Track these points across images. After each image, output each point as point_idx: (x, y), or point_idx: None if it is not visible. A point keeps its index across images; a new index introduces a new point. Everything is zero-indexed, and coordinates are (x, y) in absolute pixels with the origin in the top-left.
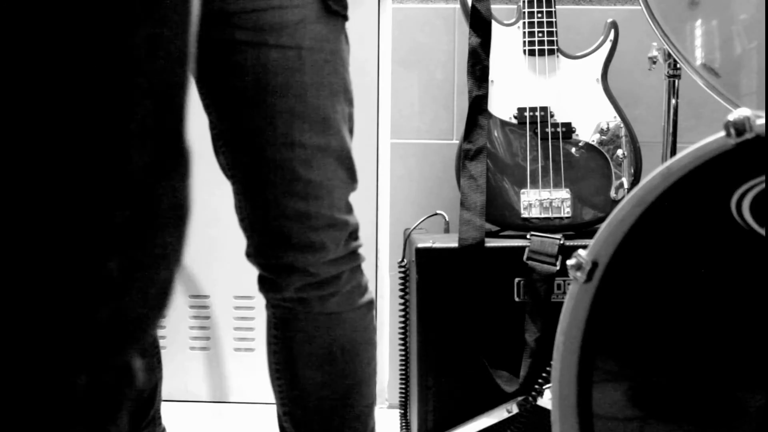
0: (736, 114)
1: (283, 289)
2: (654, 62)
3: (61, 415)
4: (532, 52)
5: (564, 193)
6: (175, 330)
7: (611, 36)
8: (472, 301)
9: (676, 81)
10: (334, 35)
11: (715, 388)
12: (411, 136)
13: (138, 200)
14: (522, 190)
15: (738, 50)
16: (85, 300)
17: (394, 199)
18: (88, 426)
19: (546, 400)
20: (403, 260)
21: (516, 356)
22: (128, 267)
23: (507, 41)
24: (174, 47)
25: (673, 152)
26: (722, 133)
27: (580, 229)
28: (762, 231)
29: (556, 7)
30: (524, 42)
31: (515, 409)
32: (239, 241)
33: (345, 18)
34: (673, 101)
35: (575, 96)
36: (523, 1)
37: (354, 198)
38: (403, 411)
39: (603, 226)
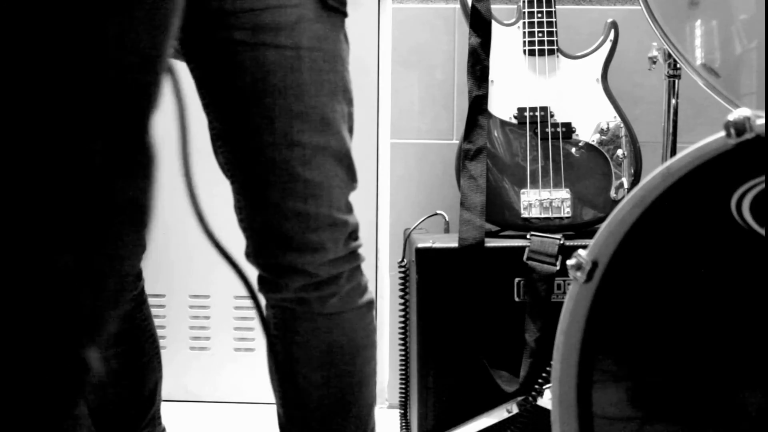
0: (736, 114)
1: (282, 290)
2: (654, 62)
3: (15, 407)
4: (532, 52)
5: (564, 193)
6: (175, 330)
7: (611, 36)
8: (472, 301)
9: (676, 81)
10: (333, 34)
11: (715, 388)
12: (411, 136)
13: (96, 195)
14: (522, 190)
15: (738, 50)
16: (39, 291)
17: (394, 199)
18: (44, 416)
19: (546, 400)
20: (403, 260)
21: (516, 356)
22: (84, 261)
23: (507, 41)
24: (145, 45)
25: (673, 152)
26: (722, 133)
27: (580, 229)
28: (762, 231)
29: (556, 7)
30: (524, 42)
31: (515, 409)
32: (239, 241)
33: (344, 14)
34: (673, 101)
35: (575, 96)
36: (523, 1)
37: (354, 198)
38: (403, 411)
39: (603, 226)
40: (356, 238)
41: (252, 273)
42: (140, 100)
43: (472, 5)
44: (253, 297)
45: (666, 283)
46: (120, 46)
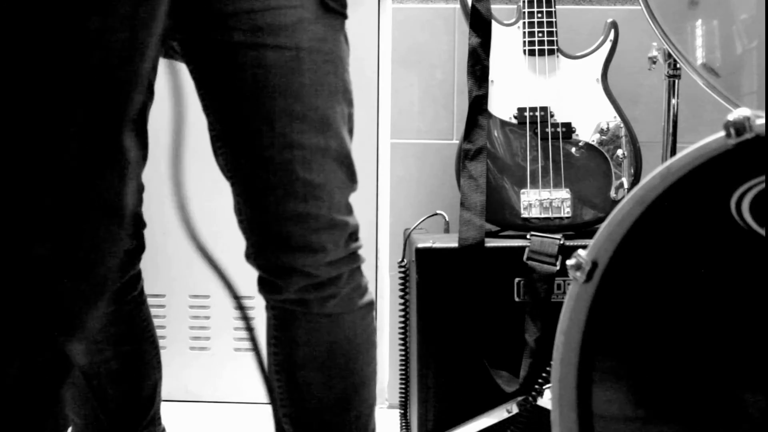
0: (736, 114)
1: (283, 291)
2: (654, 62)
3: None
4: (532, 52)
5: (564, 193)
6: (175, 330)
7: (611, 36)
8: (472, 301)
9: (676, 81)
10: (333, 35)
11: (715, 388)
12: (411, 136)
13: (68, 191)
14: (522, 190)
15: (738, 50)
16: (16, 282)
17: (394, 199)
18: (26, 409)
19: (546, 400)
20: (403, 260)
21: (516, 356)
22: (59, 255)
23: (507, 41)
24: (124, 43)
25: (673, 152)
26: (722, 133)
27: (580, 229)
28: (762, 231)
29: (556, 7)
30: (524, 42)
31: (515, 409)
32: (239, 241)
33: (344, 17)
34: (673, 101)
35: (575, 96)
36: (523, 1)
37: (354, 198)
38: (403, 411)
39: (603, 226)
40: (356, 239)
41: (252, 274)
42: (117, 97)
43: (472, 5)
44: (239, 304)
45: (666, 283)
46: (98, 43)
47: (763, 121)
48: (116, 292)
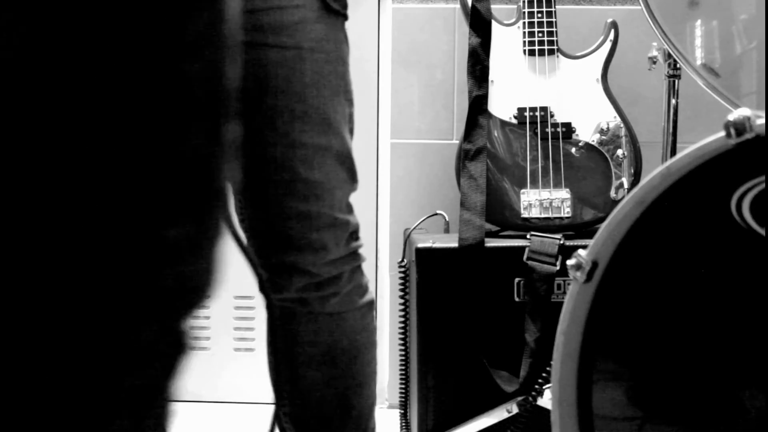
0: (736, 114)
1: (283, 290)
2: (654, 62)
3: (125, 371)
4: (532, 52)
5: (564, 193)
6: None
7: (611, 36)
8: (472, 301)
9: (676, 81)
10: (333, 35)
11: (715, 388)
12: (411, 136)
13: (191, 178)
14: (522, 190)
15: (738, 50)
16: (148, 265)
17: (394, 199)
18: (149, 384)
19: (546, 400)
20: (403, 260)
21: (516, 356)
22: (186, 236)
23: (507, 41)
24: (219, 41)
25: (673, 152)
26: (722, 133)
27: (580, 229)
28: (762, 231)
29: (556, 7)
30: (524, 42)
31: (515, 409)
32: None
33: (345, 17)
34: (673, 101)
35: (575, 96)
36: (523, 1)
37: (354, 198)
38: (403, 411)
39: (603, 226)
40: (357, 238)
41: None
42: (217, 91)
43: (472, 5)
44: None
45: (666, 283)
46: (200, 44)
47: (763, 121)
48: None
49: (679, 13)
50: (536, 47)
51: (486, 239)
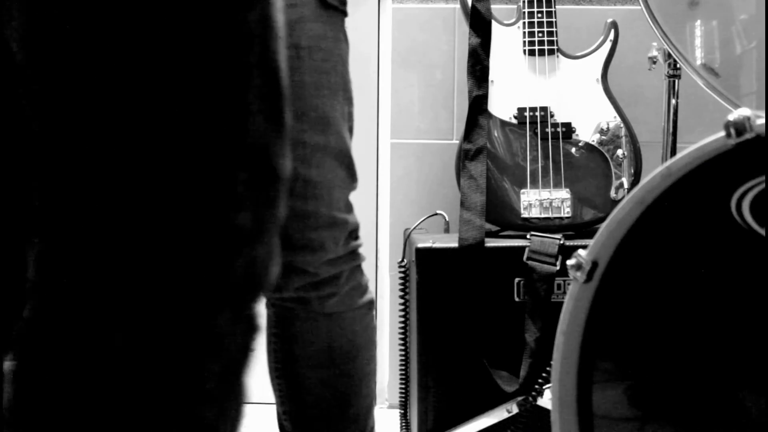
0: (736, 114)
1: (282, 289)
2: (654, 62)
3: (204, 358)
4: (532, 52)
5: (564, 193)
6: None
7: (611, 36)
8: (472, 301)
9: (676, 81)
10: (332, 34)
11: (715, 388)
12: (411, 136)
13: (255, 162)
14: (522, 190)
15: (738, 50)
16: (220, 251)
17: (394, 199)
18: (228, 370)
19: (546, 400)
20: (403, 260)
21: (516, 356)
22: (254, 221)
23: (507, 41)
24: (277, 27)
25: (673, 152)
26: (722, 133)
27: (580, 229)
28: (762, 231)
29: (556, 7)
30: (524, 42)
31: (515, 409)
32: None
33: (344, 14)
34: (673, 101)
35: (575, 96)
36: (523, 1)
37: (354, 198)
38: (403, 411)
39: (603, 226)
40: (356, 237)
41: None
42: (277, 75)
43: (472, 5)
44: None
45: (666, 283)
46: (262, 30)
47: (763, 121)
48: None
49: (679, 13)
50: (536, 47)
51: (486, 239)
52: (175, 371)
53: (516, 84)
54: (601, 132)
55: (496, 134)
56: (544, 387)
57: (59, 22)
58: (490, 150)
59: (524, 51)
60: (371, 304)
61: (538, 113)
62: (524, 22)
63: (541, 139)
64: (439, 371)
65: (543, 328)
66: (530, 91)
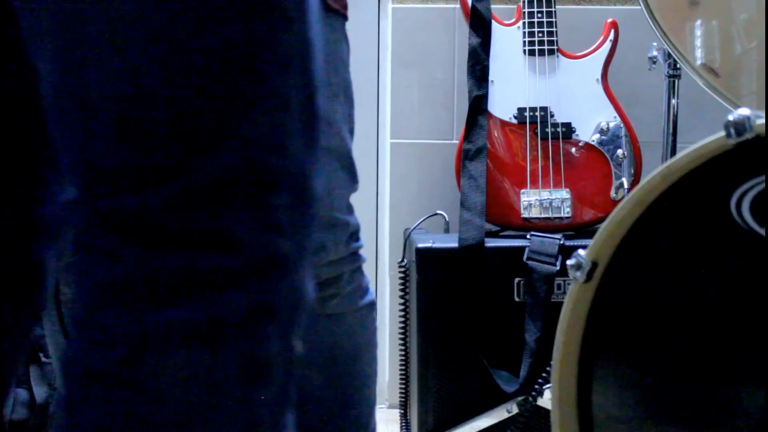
0: (736, 114)
1: None
2: (654, 62)
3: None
4: (532, 52)
5: (564, 193)
6: None
7: (611, 36)
8: (472, 302)
9: (676, 81)
10: (333, 36)
11: (716, 388)
12: (411, 136)
13: (295, 185)
14: (522, 190)
15: (738, 50)
16: (265, 278)
17: (394, 199)
18: (276, 398)
19: (546, 400)
20: (403, 260)
21: (516, 356)
22: (299, 246)
23: (507, 41)
24: (314, 49)
25: (673, 152)
26: (722, 133)
27: (580, 229)
28: (762, 231)
29: (556, 7)
30: (524, 42)
31: (515, 409)
32: None
33: (344, 17)
34: (673, 101)
35: (575, 96)
36: (523, 1)
37: (354, 198)
38: (403, 411)
39: (603, 226)
40: (357, 238)
41: None
42: (315, 96)
43: (472, 5)
44: None
45: (666, 283)
46: (300, 50)
47: (763, 121)
48: None
49: (679, 13)
50: (536, 47)
51: (486, 239)
52: (226, 404)
53: (516, 84)
54: (601, 132)
55: (496, 134)
56: (544, 387)
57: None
58: (490, 150)
59: (524, 51)
60: (372, 306)
61: (538, 113)
62: (524, 22)
63: (541, 139)
64: (439, 371)
65: (543, 328)
66: (530, 91)
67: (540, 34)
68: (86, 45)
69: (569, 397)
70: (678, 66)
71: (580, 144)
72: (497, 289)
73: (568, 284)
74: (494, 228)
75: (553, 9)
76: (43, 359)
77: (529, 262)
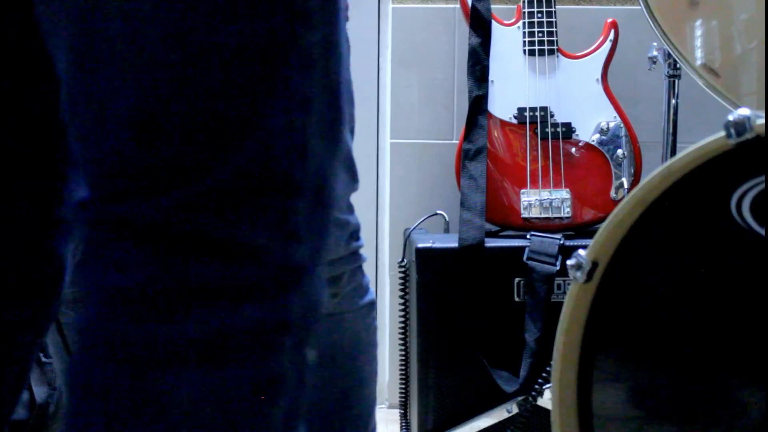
0: (736, 114)
1: None
2: (654, 62)
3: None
4: (532, 52)
5: (564, 193)
6: None
7: (611, 36)
8: (472, 301)
9: (676, 81)
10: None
11: (715, 387)
12: (411, 136)
13: (313, 190)
14: (522, 190)
15: (738, 50)
16: (281, 286)
17: (394, 199)
18: (291, 409)
19: (546, 400)
20: (403, 260)
21: (516, 356)
22: (314, 252)
23: (507, 41)
24: (339, 51)
25: (673, 152)
26: (722, 133)
27: (580, 229)
28: (762, 231)
29: (556, 7)
30: (524, 42)
31: (515, 409)
32: None
33: (345, 18)
34: (673, 101)
35: (575, 96)
36: (523, 1)
37: (354, 198)
38: (403, 411)
39: (603, 226)
40: (358, 238)
41: None
42: (338, 99)
43: (472, 5)
44: None
45: (666, 283)
46: (323, 52)
47: (763, 121)
48: None
49: (679, 13)
50: (536, 47)
51: (486, 239)
52: (238, 420)
53: (516, 84)
54: (601, 132)
55: (496, 134)
56: (544, 387)
57: None
58: (490, 150)
59: (524, 51)
60: (373, 305)
61: (538, 113)
62: (524, 22)
63: (541, 139)
64: (439, 371)
65: (543, 328)
66: (530, 91)
67: (540, 34)
68: (103, 40)
69: (569, 397)
70: (678, 66)
71: (580, 144)
72: (497, 289)
73: (568, 284)
74: (494, 228)
75: (553, 9)
76: (44, 359)
77: (529, 262)
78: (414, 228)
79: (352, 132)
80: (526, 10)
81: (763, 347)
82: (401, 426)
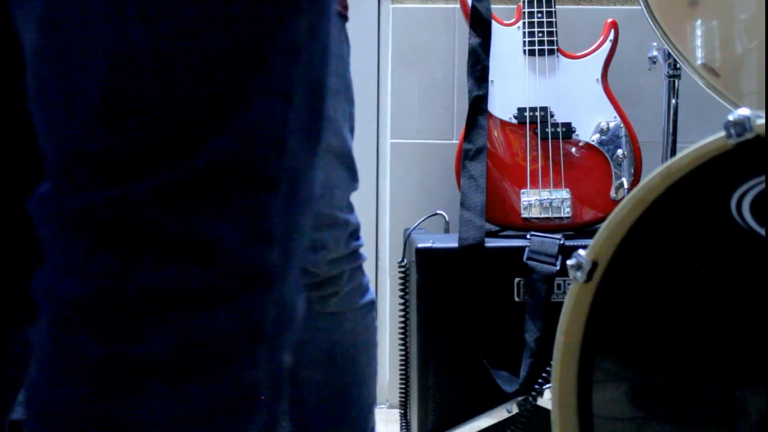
0: (736, 114)
1: None
2: (654, 62)
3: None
4: (532, 52)
5: (564, 193)
6: None
7: (611, 36)
8: (472, 301)
9: (676, 81)
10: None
11: (715, 388)
12: (411, 136)
13: (288, 187)
14: (522, 190)
15: (738, 50)
16: (254, 292)
17: (394, 199)
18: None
19: (546, 400)
20: (403, 260)
21: (516, 356)
22: (287, 253)
23: (507, 41)
24: (326, 41)
25: (673, 152)
26: (722, 133)
27: (580, 229)
28: (762, 231)
29: (556, 7)
30: (524, 42)
31: (515, 409)
32: None
33: (345, 18)
34: (673, 101)
35: (575, 96)
36: (523, 1)
37: (354, 198)
38: (403, 411)
39: (603, 226)
40: (357, 237)
41: None
42: (321, 90)
43: (472, 5)
44: None
45: (666, 283)
46: (309, 39)
47: (763, 121)
48: None
49: (679, 13)
50: (536, 47)
51: (486, 239)
52: None
53: (516, 84)
54: (601, 132)
55: (496, 134)
56: (544, 387)
57: None
58: (490, 150)
59: (524, 51)
60: (372, 305)
61: (538, 113)
62: (524, 22)
63: (541, 139)
64: (439, 371)
65: (543, 328)
66: (530, 91)
67: (540, 34)
68: (76, 11)
69: (569, 397)
70: (678, 66)
71: (580, 144)
72: (497, 289)
73: (568, 284)
74: (494, 228)
75: (553, 9)
76: None
77: (529, 262)
78: (414, 228)
79: (352, 131)
80: (526, 10)
81: (763, 347)
82: (401, 426)
